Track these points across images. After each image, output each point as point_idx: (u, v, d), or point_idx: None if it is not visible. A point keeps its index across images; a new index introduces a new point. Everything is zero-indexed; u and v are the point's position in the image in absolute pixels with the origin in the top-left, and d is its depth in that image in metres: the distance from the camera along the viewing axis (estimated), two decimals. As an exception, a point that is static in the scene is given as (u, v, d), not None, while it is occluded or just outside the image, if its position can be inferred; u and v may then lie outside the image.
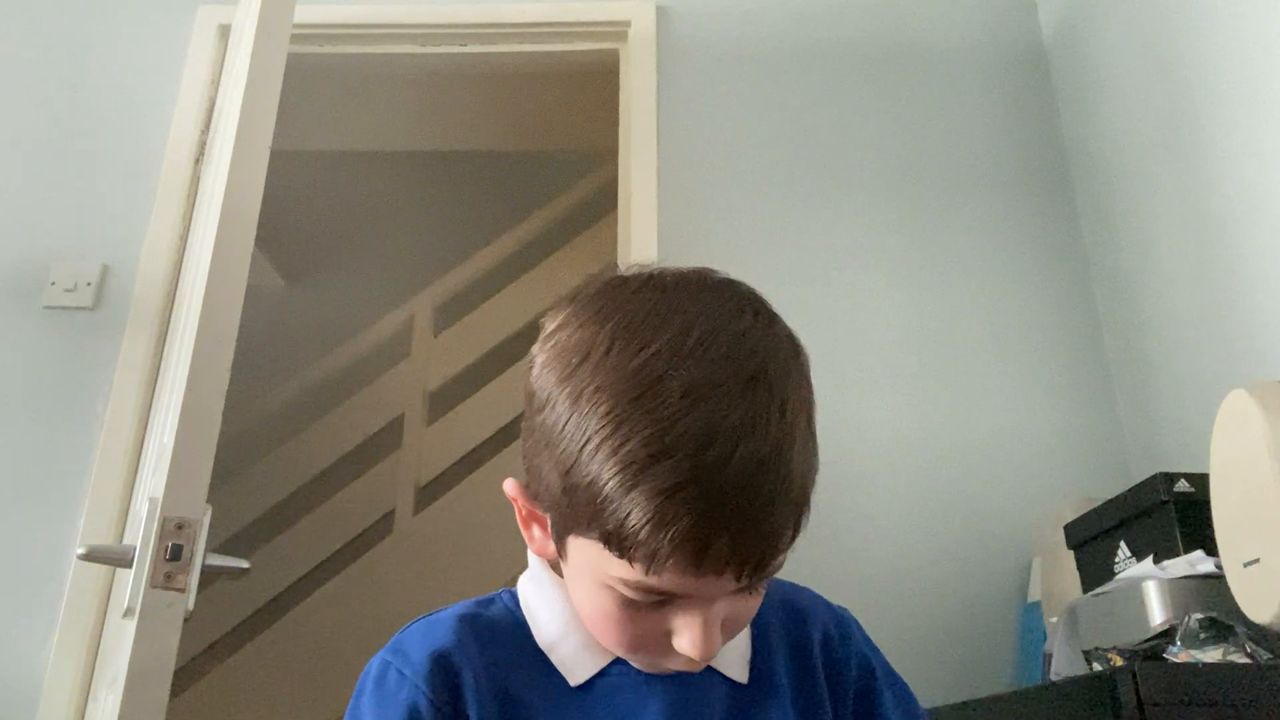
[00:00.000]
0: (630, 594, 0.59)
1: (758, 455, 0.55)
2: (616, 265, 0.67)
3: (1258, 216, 1.56)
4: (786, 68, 2.27)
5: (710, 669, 0.68)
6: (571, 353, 0.60)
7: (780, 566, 0.59)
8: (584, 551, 0.60)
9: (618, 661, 0.67)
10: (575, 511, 0.58)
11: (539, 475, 0.62)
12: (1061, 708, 1.12)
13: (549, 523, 0.64)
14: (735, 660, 0.69)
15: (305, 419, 3.44)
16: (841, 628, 0.75)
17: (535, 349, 0.65)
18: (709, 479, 0.54)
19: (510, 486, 0.67)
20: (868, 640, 0.77)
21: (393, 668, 0.66)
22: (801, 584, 0.78)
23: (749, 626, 0.70)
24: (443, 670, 0.65)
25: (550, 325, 0.64)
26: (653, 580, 0.57)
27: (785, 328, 0.63)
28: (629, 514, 0.55)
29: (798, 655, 0.72)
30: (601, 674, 0.67)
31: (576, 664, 0.67)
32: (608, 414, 0.56)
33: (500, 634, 0.68)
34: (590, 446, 0.56)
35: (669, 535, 0.54)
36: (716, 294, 0.62)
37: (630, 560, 0.56)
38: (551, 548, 0.65)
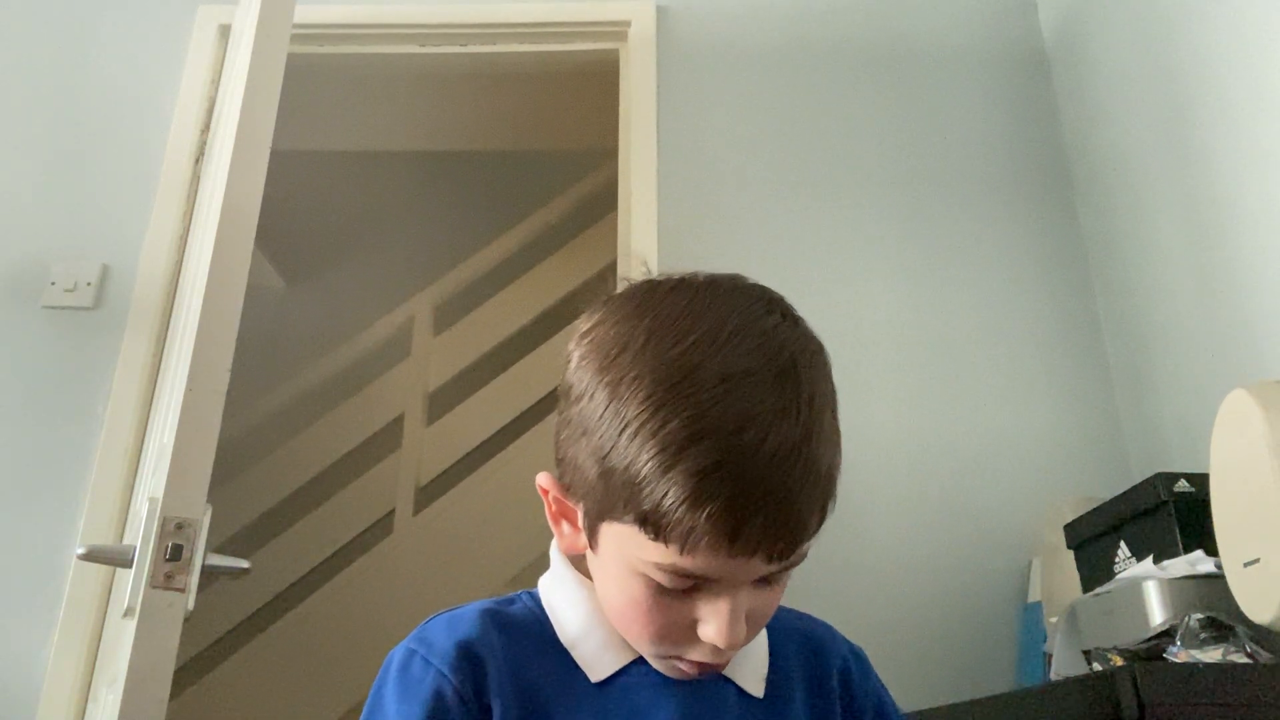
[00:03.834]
0: (661, 579, 0.61)
1: (789, 440, 0.58)
2: (647, 271, 0.69)
3: (1258, 217, 1.56)
4: (786, 68, 2.27)
5: (726, 680, 0.69)
6: (610, 345, 0.63)
7: (805, 556, 0.62)
8: (617, 538, 0.62)
9: (637, 662, 0.68)
10: (611, 496, 0.60)
11: (574, 465, 0.64)
12: (1061, 708, 1.12)
13: (581, 513, 0.66)
14: (751, 674, 0.71)
15: (305, 419, 3.44)
16: (860, 664, 0.77)
17: (571, 347, 0.67)
18: (744, 460, 0.57)
19: (543, 479, 0.69)
20: (880, 681, 0.79)
21: (418, 656, 0.67)
22: (803, 583, 0.79)
23: (767, 646, 0.73)
24: (468, 660, 0.66)
25: (585, 325, 0.67)
26: (686, 562, 0.59)
27: (810, 329, 0.66)
28: (666, 493, 0.57)
29: (814, 680, 0.74)
30: (621, 673, 0.68)
31: (598, 661, 0.68)
32: (646, 399, 0.58)
33: (523, 630, 0.69)
34: (629, 431, 0.59)
35: (705, 513, 0.56)
36: (746, 295, 0.65)
37: (665, 541, 0.58)
38: (582, 541, 0.67)
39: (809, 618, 0.79)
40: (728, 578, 0.60)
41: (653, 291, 0.65)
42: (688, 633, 0.63)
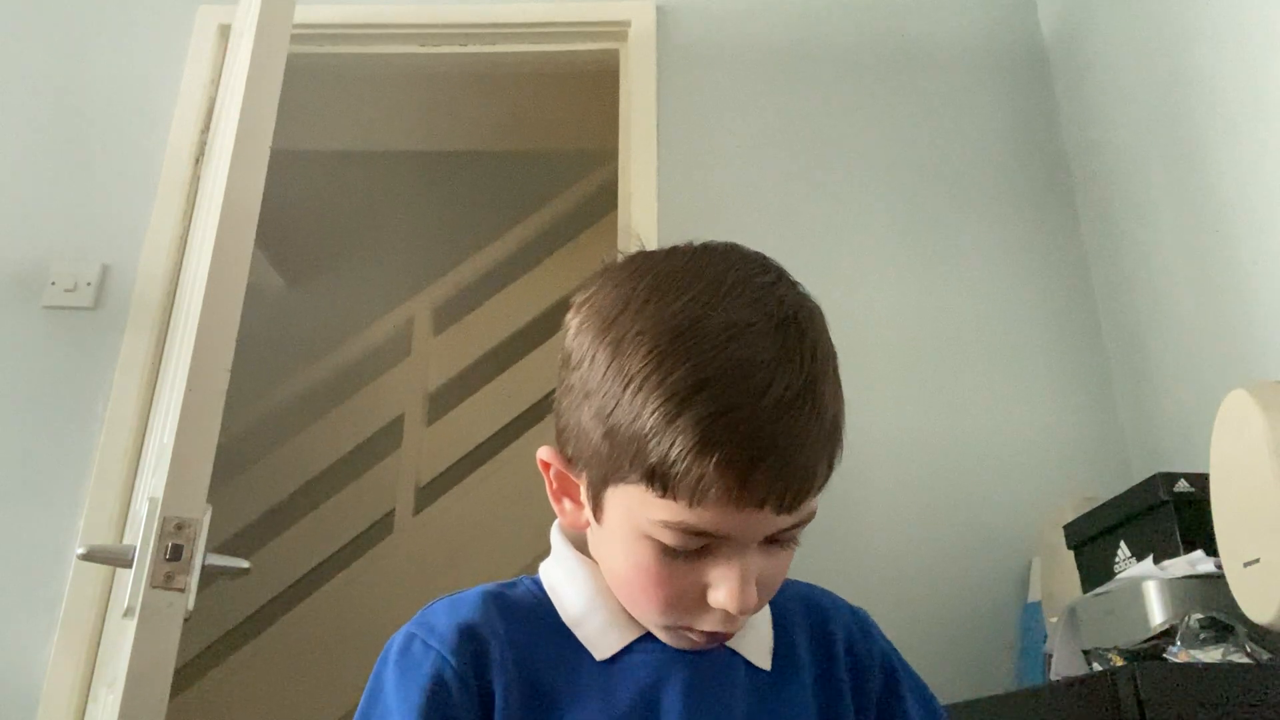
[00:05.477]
0: (670, 539, 0.60)
1: (794, 387, 0.58)
2: (641, 244, 0.69)
3: (1258, 216, 1.56)
4: (786, 68, 2.27)
5: (733, 653, 0.69)
6: (609, 308, 0.63)
7: (813, 514, 0.61)
8: (623, 501, 0.61)
9: (643, 639, 0.67)
10: (616, 456, 0.60)
11: (576, 431, 0.63)
12: (1061, 708, 1.12)
13: (585, 484, 0.65)
14: (758, 647, 0.70)
15: (305, 419, 3.44)
16: (863, 627, 0.77)
17: (568, 316, 0.67)
18: (751, 405, 0.57)
19: (544, 452, 0.68)
20: (886, 639, 0.78)
21: (418, 639, 0.66)
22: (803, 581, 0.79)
23: (770, 618, 0.72)
24: (470, 642, 0.65)
25: (582, 295, 0.67)
26: (695, 517, 0.58)
27: (806, 291, 0.66)
28: (674, 443, 0.57)
29: (819, 648, 0.73)
30: (626, 650, 0.67)
31: (602, 639, 0.67)
32: (650, 353, 0.58)
33: (525, 612, 0.69)
34: (633, 386, 0.58)
35: (713, 461, 0.56)
36: (742, 256, 0.65)
37: (674, 495, 0.58)
38: (585, 516, 0.66)
39: (810, 586, 0.78)
40: (737, 534, 0.60)
41: (649, 257, 0.66)
42: (697, 601, 0.62)
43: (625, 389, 0.59)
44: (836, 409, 0.61)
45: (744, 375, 0.57)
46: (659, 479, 0.58)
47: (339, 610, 3.03)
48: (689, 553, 0.61)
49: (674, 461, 0.57)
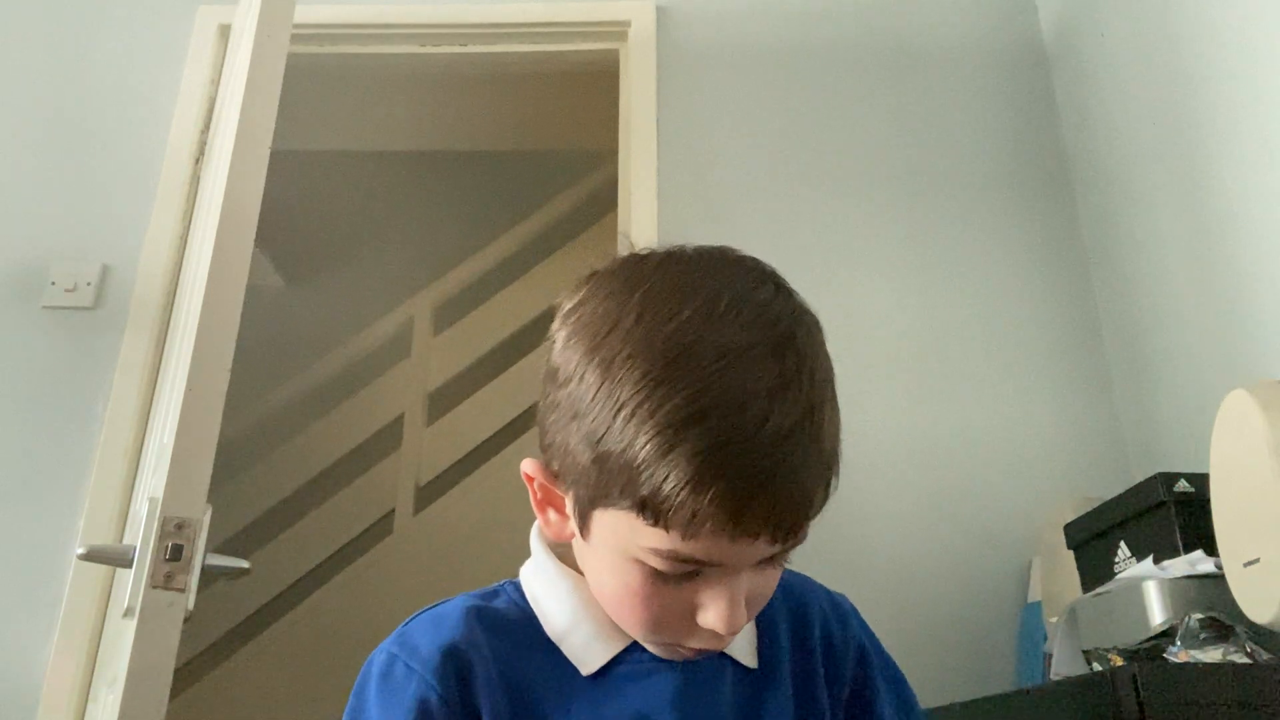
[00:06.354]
0: (660, 565, 0.58)
1: (792, 416, 0.55)
2: (631, 246, 0.66)
3: (1258, 216, 1.56)
4: (786, 68, 2.27)
5: (721, 655, 0.67)
6: (599, 324, 0.60)
7: (806, 536, 0.59)
8: (612, 525, 0.59)
9: (630, 649, 0.66)
10: (605, 482, 0.58)
11: (563, 450, 0.61)
12: (1061, 708, 1.12)
13: (571, 500, 0.63)
14: (744, 646, 0.69)
15: (305, 419, 3.44)
16: (840, 616, 0.75)
17: (555, 327, 0.65)
18: (748, 438, 0.54)
19: (529, 465, 0.66)
20: (864, 627, 0.77)
21: (399, 660, 0.64)
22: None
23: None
24: (453, 663, 0.63)
25: (569, 303, 0.64)
26: (687, 547, 0.57)
27: (803, 301, 0.63)
28: (667, 476, 0.54)
29: (798, 639, 0.72)
30: (613, 663, 0.66)
31: (587, 654, 0.66)
32: (642, 379, 0.56)
33: (508, 626, 0.67)
34: (625, 413, 0.56)
35: (709, 496, 0.54)
36: (738, 267, 0.63)
37: (666, 527, 0.56)
38: (570, 530, 0.64)
39: (790, 572, 0.75)
40: (730, 562, 0.58)
41: (640, 265, 0.62)
42: (686, 620, 0.61)
43: (616, 415, 0.56)
44: (834, 434, 0.59)
45: (740, 406, 0.54)
46: (650, 510, 0.56)
47: (339, 610, 3.03)
48: (679, 576, 0.59)
49: (667, 495, 0.55)
